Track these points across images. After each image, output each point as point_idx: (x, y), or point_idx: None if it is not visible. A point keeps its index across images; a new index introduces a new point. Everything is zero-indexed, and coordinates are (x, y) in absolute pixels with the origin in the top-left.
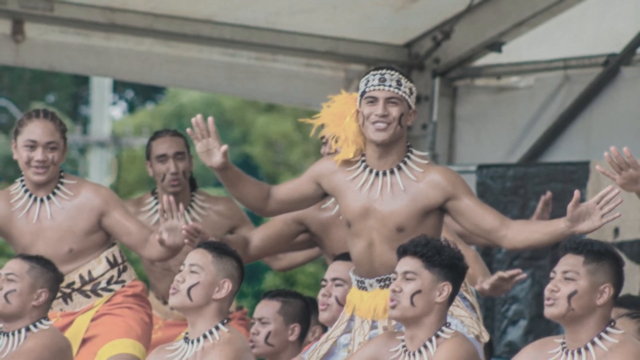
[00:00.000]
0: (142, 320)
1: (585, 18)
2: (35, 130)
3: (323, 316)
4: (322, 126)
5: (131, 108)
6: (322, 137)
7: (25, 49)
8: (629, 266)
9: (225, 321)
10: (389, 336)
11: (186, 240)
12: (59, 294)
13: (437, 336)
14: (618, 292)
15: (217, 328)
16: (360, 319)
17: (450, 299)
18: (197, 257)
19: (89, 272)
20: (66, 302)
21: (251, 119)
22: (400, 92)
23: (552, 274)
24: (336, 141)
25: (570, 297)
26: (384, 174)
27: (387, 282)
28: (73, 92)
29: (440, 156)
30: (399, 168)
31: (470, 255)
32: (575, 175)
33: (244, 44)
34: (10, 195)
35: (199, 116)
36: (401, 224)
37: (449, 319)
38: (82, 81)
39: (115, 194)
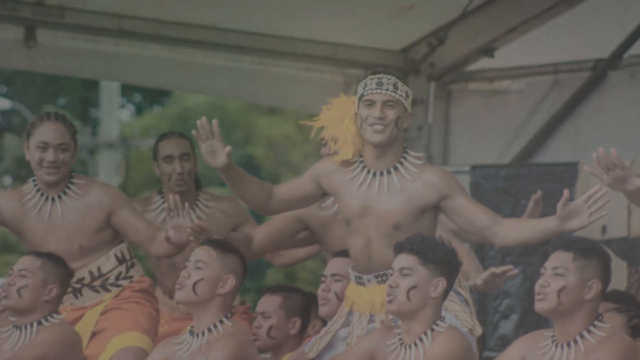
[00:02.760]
0: (149, 314)
1: (574, 24)
2: (47, 132)
3: (323, 310)
4: (321, 128)
5: (139, 111)
6: (322, 139)
7: (37, 54)
8: (616, 262)
9: (229, 315)
10: (386, 330)
11: (191, 238)
12: (69, 289)
13: (432, 330)
14: (606, 287)
15: (221, 322)
16: (358, 313)
17: (445, 294)
18: (202, 254)
19: (98, 269)
20: (76, 297)
21: (254, 121)
22: (396, 96)
23: (542, 270)
24: (335, 143)
25: (559, 292)
26: (381, 174)
27: (384, 278)
28: (83, 96)
29: (435, 157)
30: (396, 168)
31: (464, 252)
32: (565, 176)
33: (247, 50)
34: (23, 195)
35: (203, 118)
36: (398, 222)
37: (443, 313)
38: (91, 85)
39: (123, 193)
